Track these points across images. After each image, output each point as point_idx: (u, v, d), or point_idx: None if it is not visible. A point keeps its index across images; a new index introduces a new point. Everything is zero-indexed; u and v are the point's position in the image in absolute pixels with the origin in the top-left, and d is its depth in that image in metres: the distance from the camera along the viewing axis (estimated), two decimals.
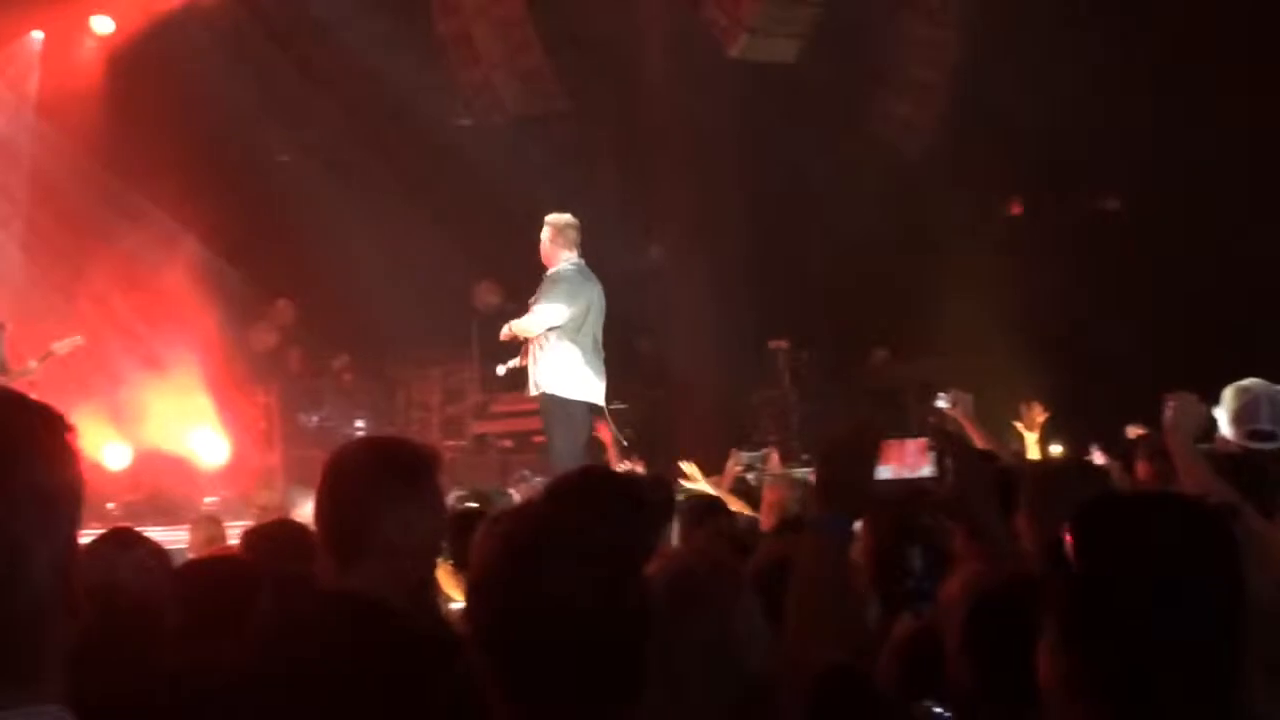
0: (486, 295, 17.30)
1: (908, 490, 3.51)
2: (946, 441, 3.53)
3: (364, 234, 16.88)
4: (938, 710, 3.11)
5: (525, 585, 2.41)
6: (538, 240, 17.10)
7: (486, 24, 17.31)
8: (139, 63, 17.95)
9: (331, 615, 3.69)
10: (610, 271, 17.83)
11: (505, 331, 12.16)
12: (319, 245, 17.32)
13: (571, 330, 11.78)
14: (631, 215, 18.28)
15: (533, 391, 12.07)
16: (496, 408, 17.32)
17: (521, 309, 16.29)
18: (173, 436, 16.27)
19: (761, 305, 17.06)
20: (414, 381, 18.41)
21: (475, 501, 8.40)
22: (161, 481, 15.52)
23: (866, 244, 16.98)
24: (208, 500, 14.93)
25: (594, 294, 12.12)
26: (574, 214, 16.79)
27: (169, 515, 13.39)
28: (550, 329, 11.75)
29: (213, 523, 9.40)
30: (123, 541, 4.43)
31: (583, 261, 12.16)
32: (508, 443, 16.75)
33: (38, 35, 18.51)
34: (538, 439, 16.48)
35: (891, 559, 3.78)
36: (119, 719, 1.86)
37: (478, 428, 17.12)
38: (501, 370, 12.41)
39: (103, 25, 18.36)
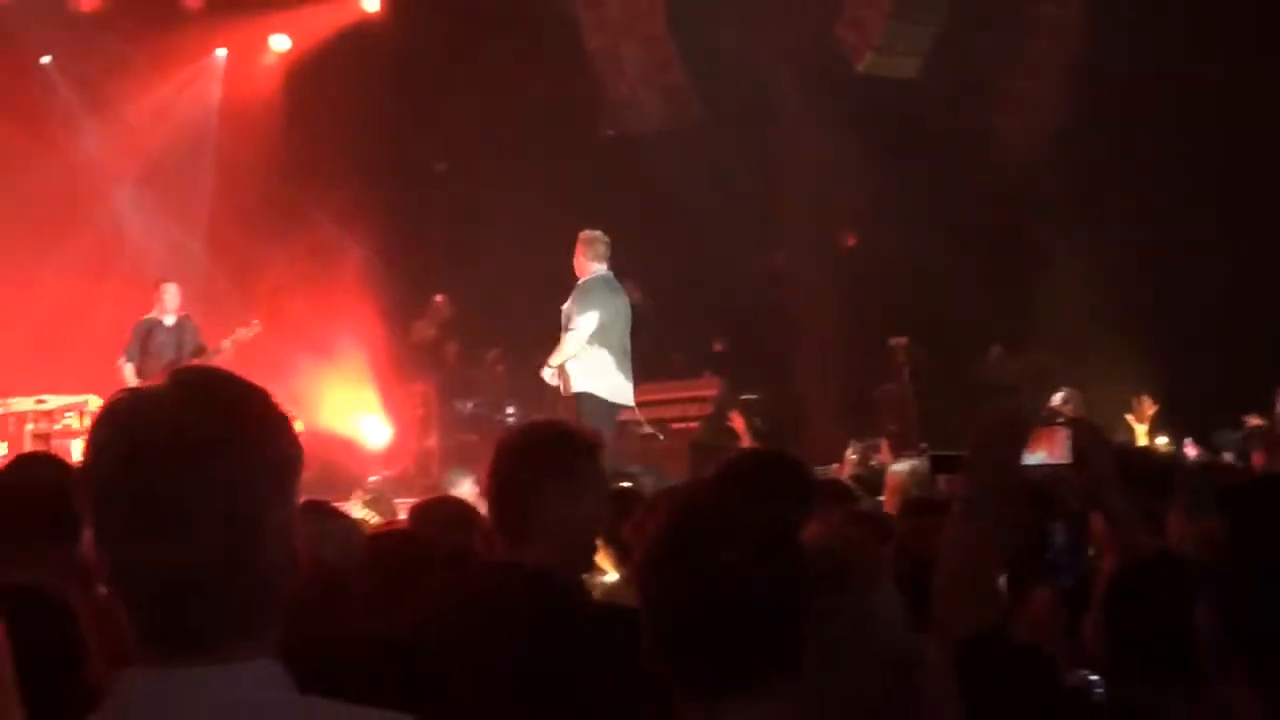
0: (628, 292, 17.35)
1: (1049, 474, 3.49)
2: (1082, 431, 3.53)
3: (515, 236, 17.01)
4: (1093, 678, 3.11)
5: (693, 562, 2.39)
6: (674, 242, 17.24)
7: (632, 41, 17.37)
8: (312, 78, 18.25)
9: (503, 585, 3.73)
10: (741, 273, 17.97)
11: (550, 375, 12.13)
12: (474, 247, 17.49)
13: (601, 337, 11.83)
14: (761, 221, 18.30)
15: (566, 392, 12.16)
16: (636, 397, 17.34)
17: (658, 306, 16.45)
18: (341, 420, 16.52)
19: (882, 304, 17.00)
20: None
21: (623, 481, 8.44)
22: (330, 459, 15.73)
23: (982, 245, 16.88)
24: (372, 479, 15.12)
25: (620, 304, 12.17)
26: (706, 219, 16.93)
27: (338, 491, 13.57)
28: (570, 331, 11.81)
29: (383, 498, 9.54)
30: (323, 513, 4.53)
31: (611, 274, 12.21)
32: (646, 429, 16.77)
33: (221, 53, 18.89)
34: (675, 425, 16.57)
35: (1034, 534, 3.78)
36: (318, 679, 1.91)
37: (618, 415, 17.17)
38: (548, 375, 12.21)
39: (280, 43, 18.72)
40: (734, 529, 2.42)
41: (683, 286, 17.66)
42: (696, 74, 17.62)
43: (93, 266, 17.25)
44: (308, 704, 1.91)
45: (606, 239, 12.22)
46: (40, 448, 15.45)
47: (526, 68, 17.46)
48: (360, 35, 18.19)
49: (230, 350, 14.34)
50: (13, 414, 16.12)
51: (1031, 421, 3.27)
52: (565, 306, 12.15)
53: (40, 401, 16.03)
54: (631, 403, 12.34)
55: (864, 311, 17.20)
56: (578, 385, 11.93)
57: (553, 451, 3.81)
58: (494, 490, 3.79)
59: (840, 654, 2.58)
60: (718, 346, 17.72)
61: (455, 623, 3.68)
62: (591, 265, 12.12)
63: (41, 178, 17.49)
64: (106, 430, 1.89)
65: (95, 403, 15.96)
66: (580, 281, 12.13)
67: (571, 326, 11.84)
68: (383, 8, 18.29)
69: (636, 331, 17.25)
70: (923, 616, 3.06)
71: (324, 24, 18.30)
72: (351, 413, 16.90)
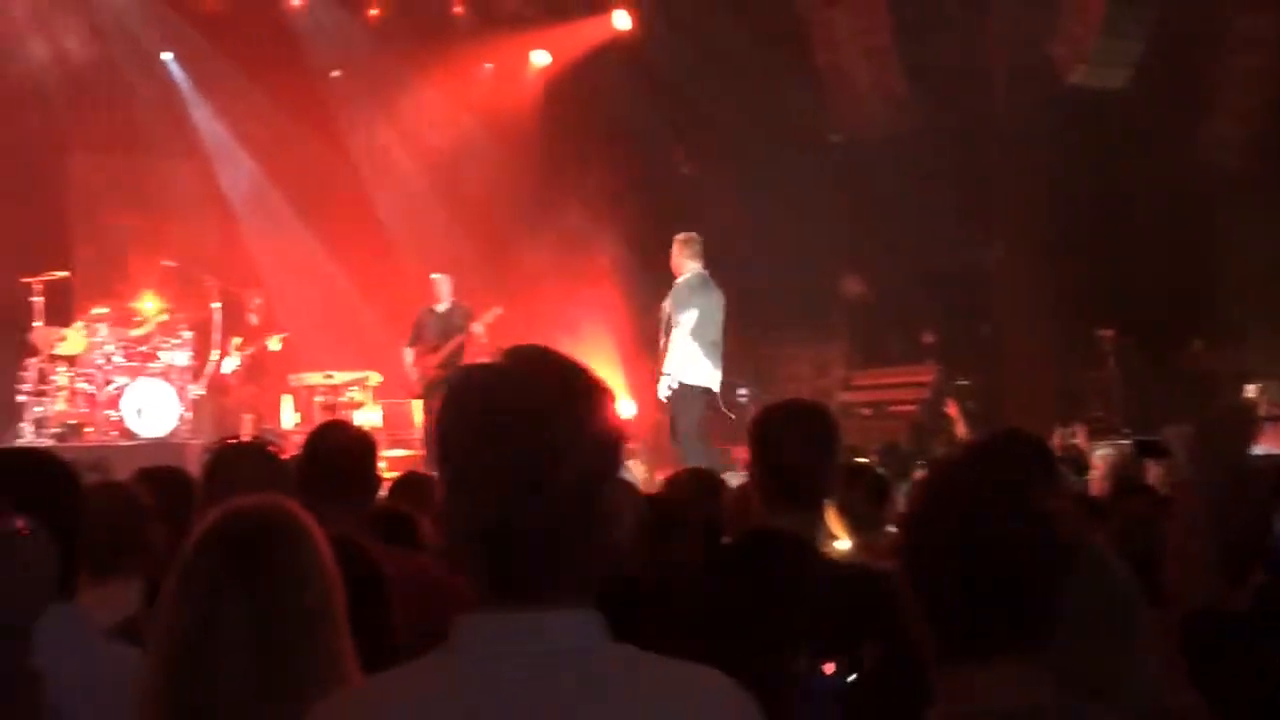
0: (852, 285, 17.31)
1: (1271, 464, 3.41)
2: None
3: (751, 232, 17.04)
4: None
5: (949, 533, 2.36)
6: (893, 238, 17.07)
7: (859, 56, 17.25)
8: (568, 88, 18.50)
9: (769, 548, 3.76)
10: (955, 267, 17.73)
11: (665, 390, 12.12)
12: (713, 241, 17.53)
13: (695, 330, 11.94)
14: (975, 220, 18.05)
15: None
16: (858, 381, 17.31)
17: (878, 298, 16.35)
18: None
19: (1091, 298, 16.66)
20: (789, 357, 18.50)
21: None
22: None
23: (1185, 244, 16.47)
24: None
25: (712, 299, 12.20)
26: (924, 218, 16.72)
27: None
28: (675, 328, 11.94)
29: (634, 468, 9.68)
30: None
31: (705, 272, 12.33)
32: (867, 411, 16.70)
33: (488, 66, 19.25)
34: (893, 408, 16.50)
35: (1257, 519, 3.70)
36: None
37: (842, 397, 17.11)
38: (665, 387, 12.14)
39: (540, 58, 18.99)
40: (987, 502, 2.39)
41: (901, 279, 17.52)
42: (918, 84, 17.43)
43: (375, 256, 17.72)
44: (628, 652, 1.95)
45: (700, 239, 12.41)
46: (327, 417, 15.97)
47: (762, 79, 17.48)
48: (613, 50, 18.37)
49: (483, 334, 14.59)
50: (304, 386, 16.66)
51: (1257, 415, 3.23)
52: (665, 304, 12.33)
53: (328, 376, 16.54)
54: (717, 386, 12.17)
55: (1072, 304, 16.87)
56: (672, 374, 12.08)
57: (825, 428, 3.85)
58: (760, 460, 3.81)
59: (1093, 622, 2.54)
60: (929, 337, 17.53)
61: (722, 582, 3.72)
62: (688, 264, 12.28)
63: (333, 177, 18.08)
64: (459, 404, 1.94)
65: (375, 378, 16.44)
66: (679, 281, 12.29)
67: (675, 324, 11.98)
68: (634, 26, 18.44)
69: (859, 321, 17.26)
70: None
71: (581, 40, 18.52)
72: None
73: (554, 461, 1.88)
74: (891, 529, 6.02)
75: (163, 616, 2.07)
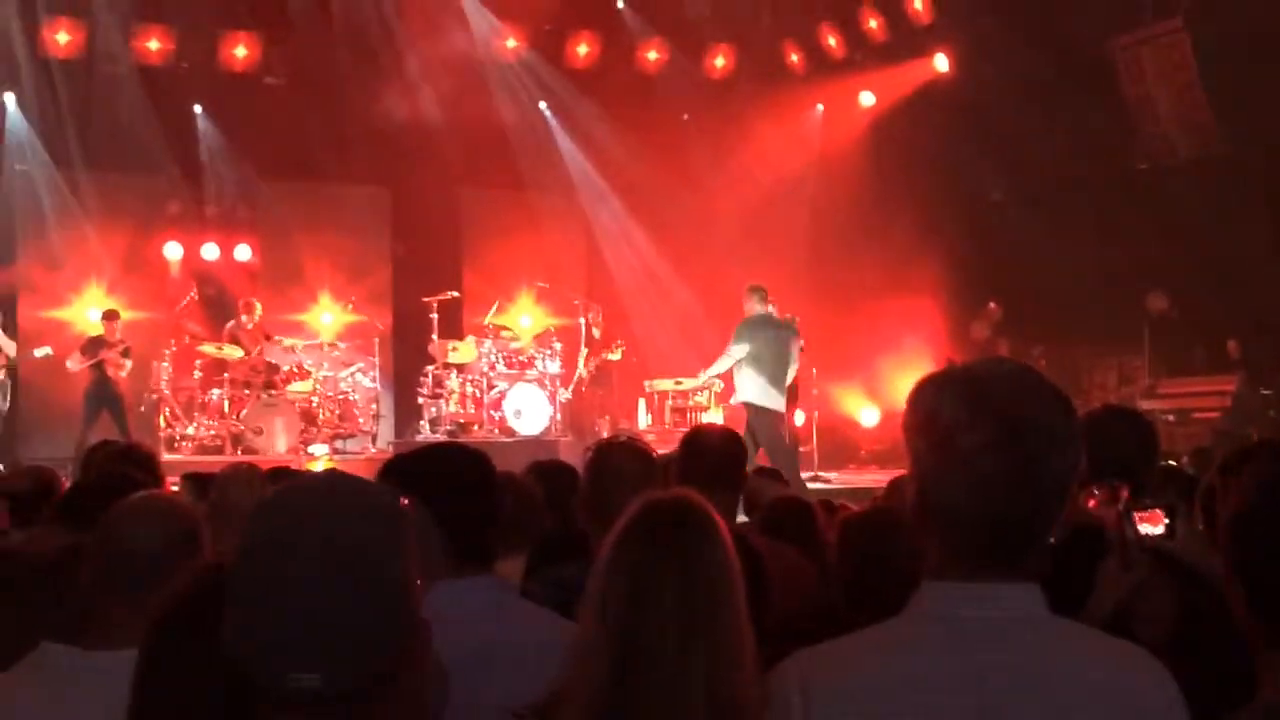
0: (1156, 301, 16.68)
1: None
2: None
3: (1058, 253, 16.61)
4: None
5: (1271, 532, 2.25)
6: (1195, 255, 16.33)
7: (1166, 89, 16.64)
8: (892, 125, 18.42)
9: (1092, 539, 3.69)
10: (1257, 282, 16.84)
11: (700, 380, 14.07)
12: (1023, 262, 17.19)
13: (753, 362, 12.75)
14: (1277, 236, 17.16)
15: (735, 400, 13.25)
16: (1162, 389, 16.67)
17: (1187, 313, 15.76)
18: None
19: None
20: (1095, 368, 17.99)
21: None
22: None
23: None
24: None
25: (770, 335, 12.93)
26: (1226, 236, 15.93)
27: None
28: (740, 360, 12.81)
29: None
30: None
31: (767, 313, 13.16)
32: (1170, 418, 16.07)
33: (819, 107, 19.34)
34: (1197, 415, 15.85)
35: None
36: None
37: (1144, 405, 16.47)
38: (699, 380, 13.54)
39: (867, 99, 18.98)
40: None
41: (1203, 293, 16.75)
42: (1221, 112, 16.66)
43: (718, 276, 17.98)
44: (1067, 623, 2.04)
45: (763, 290, 13.21)
46: (676, 419, 16.36)
47: (1069, 113, 17.05)
48: (933, 90, 18.21)
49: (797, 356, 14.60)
50: (656, 392, 17.07)
51: None
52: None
53: (677, 383, 16.89)
54: (781, 408, 13.05)
55: None
56: (739, 396, 13.02)
57: (1143, 427, 3.85)
58: (1092, 457, 3.74)
59: None
60: (1232, 347, 16.72)
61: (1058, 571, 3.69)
62: (755, 308, 13.11)
63: (682, 207, 18.48)
64: (965, 402, 1.99)
65: (718, 385, 16.68)
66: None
67: (725, 352, 13.03)
68: (951, 68, 18.25)
69: (1162, 334, 16.60)
70: None
71: (904, 82, 18.42)
72: None
73: (1046, 459, 1.97)
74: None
75: (594, 586, 2.24)
